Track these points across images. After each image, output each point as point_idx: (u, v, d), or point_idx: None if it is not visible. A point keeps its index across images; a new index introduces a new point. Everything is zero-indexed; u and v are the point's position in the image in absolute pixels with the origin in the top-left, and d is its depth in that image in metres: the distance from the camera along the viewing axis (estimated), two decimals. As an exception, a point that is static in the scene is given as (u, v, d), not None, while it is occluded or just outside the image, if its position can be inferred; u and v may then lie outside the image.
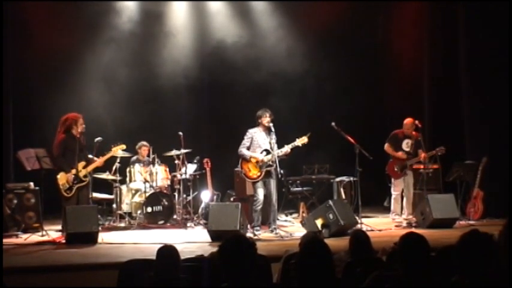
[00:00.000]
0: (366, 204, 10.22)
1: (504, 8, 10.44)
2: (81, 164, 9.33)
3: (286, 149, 9.23)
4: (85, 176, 9.31)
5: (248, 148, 9.32)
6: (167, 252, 4.44)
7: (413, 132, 10.34)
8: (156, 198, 10.53)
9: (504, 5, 10.46)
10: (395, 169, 10.32)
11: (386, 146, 10.45)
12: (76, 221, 8.67)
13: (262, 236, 8.96)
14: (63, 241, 8.75)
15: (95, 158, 9.52)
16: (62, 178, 9.22)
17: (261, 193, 9.23)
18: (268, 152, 9.20)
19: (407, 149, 10.35)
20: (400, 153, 10.27)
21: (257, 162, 9.22)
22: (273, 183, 9.24)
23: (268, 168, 9.19)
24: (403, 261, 3.45)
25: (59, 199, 9.31)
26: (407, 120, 10.37)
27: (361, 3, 12.79)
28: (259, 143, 9.30)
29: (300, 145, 9.27)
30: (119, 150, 9.99)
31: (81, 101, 11.68)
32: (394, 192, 10.42)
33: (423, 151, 10.13)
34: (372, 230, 9.09)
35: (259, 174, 9.22)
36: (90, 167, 9.42)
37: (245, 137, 9.36)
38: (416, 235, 3.59)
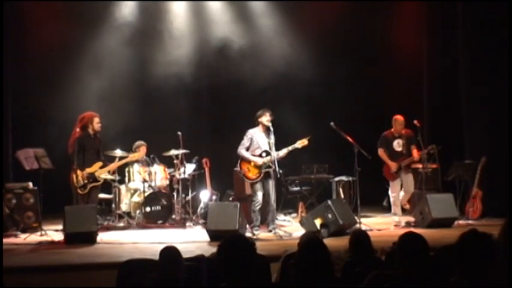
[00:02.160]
0: (364, 203, 10.21)
1: (504, 6, 10.43)
2: (98, 164, 9.58)
3: (285, 151, 9.22)
4: (100, 176, 9.56)
5: (247, 149, 9.31)
6: (170, 253, 4.43)
7: (403, 131, 10.25)
8: (155, 197, 10.53)
9: (503, 3, 10.45)
10: (391, 171, 10.28)
11: (380, 151, 10.32)
12: (75, 221, 8.68)
13: (261, 236, 8.96)
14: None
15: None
16: (75, 175, 9.28)
17: (259, 194, 9.22)
18: (267, 153, 9.20)
19: (400, 149, 10.23)
20: (393, 165, 10.12)
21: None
22: (271, 184, 9.24)
23: (268, 169, 9.19)
24: (401, 261, 3.45)
25: (73, 197, 9.39)
26: (398, 117, 10.21)
27: (361, 3, 12.79)
28: (258, 144, 9.28)
29: (300, 147, 9.28)
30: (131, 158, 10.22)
31: (80, 101, 11.66)
32: (392, 194, 10.39)
33: (417, 149, 10.06)
34: (371, 230, 9.07)
35: (258, 175, 9.21)
36: (106, 169, 9.66)
37: (245, 137, 9.35)
38: (414, 234, 3.59)
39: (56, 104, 11.71)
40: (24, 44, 11.80)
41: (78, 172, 9.33)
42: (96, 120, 9.63)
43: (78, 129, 9.48)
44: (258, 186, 9.24)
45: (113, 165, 9.87)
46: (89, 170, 9.41)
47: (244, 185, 10.13)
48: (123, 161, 10.14)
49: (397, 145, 10.28)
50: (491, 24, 10.70)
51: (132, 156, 10.26)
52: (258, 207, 9.22)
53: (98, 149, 9.71)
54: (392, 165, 10.15)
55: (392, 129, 10.31)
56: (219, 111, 13.09)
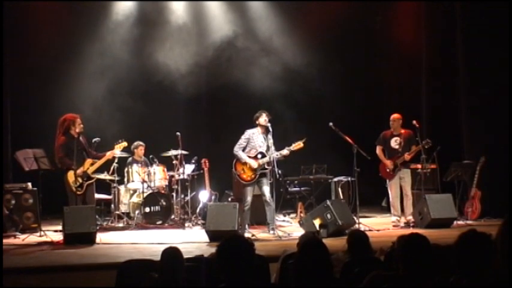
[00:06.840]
0: (363, 204, 10.23)
1: (502, 3, 10.43)
2: (89, 161, 9.52)
3: (279, 154, 9.18)
4: (93, 173, 9.51)
5: (244, 149, 9.30)
6: (172, 253, 4.43)
7: (402, 131, 10.18)
8: (154, 198, 10.53)
9: (502, 0, 10.46)
10: (387, 169, 10.20)
11: (378, 149, 10.28)
12: (74, 222, 8.68)
13: (260, 236, 8.94)
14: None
15: (100, 154, 9.75)
16: (71, 176, 9.30)
17: (249, 196, 9.23)
18: (263, 155, 9.19)
19: (396, 147, 10.14)
20: (388, 162, 10.08)
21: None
22: (265, 182, 9.20)
23: (263, 171, 9.18)
24: (404, 262, 3.45)
25: (67, 198, 9.36)
26: (394, 116, 10.18)
27: (360, 3, 12.80)
28: (255, 145, 9.27)
29: (296, 150, 9.26)
30: (117, 150, 10.01)
31: (79, 102, 11.65)
32: (390, 193, 10.36)
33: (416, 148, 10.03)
34: (370, 230, 9.09)
35: (253, 176, 9.20)
36: (97, 164, 9.59)
37: (242, 137, 9.33)
38: (418, 235, 3.59)
39: (55, 105, 11.69)
40: (24, 44, 11.79)
41: (72, 173, 9.26)
42: (78, 121, 9.50)
43: (61, 136, 9.37)
44: (249, 188, 9.23)
45: (104, 159, 9.72)
46: (82, 169, 9.39)
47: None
48: (111, 154, 9.83)
49: (395, 142, 10.20)
50: (490, 22, 10.70)
51: (118, 147, 9.93)
52: (247, 207, 9.21)
53: (84, 148, 9.59)
54: (388, 163, 10.09)
55: (392, 129, 10.27)
56: (218, 111, 13.09)
